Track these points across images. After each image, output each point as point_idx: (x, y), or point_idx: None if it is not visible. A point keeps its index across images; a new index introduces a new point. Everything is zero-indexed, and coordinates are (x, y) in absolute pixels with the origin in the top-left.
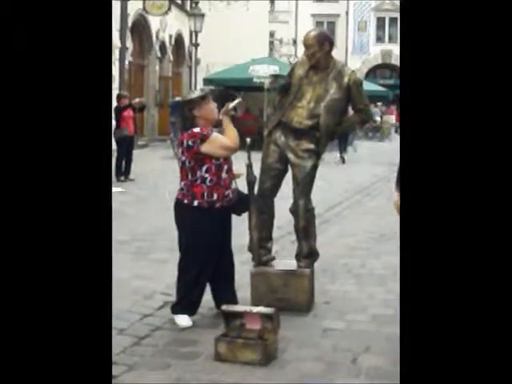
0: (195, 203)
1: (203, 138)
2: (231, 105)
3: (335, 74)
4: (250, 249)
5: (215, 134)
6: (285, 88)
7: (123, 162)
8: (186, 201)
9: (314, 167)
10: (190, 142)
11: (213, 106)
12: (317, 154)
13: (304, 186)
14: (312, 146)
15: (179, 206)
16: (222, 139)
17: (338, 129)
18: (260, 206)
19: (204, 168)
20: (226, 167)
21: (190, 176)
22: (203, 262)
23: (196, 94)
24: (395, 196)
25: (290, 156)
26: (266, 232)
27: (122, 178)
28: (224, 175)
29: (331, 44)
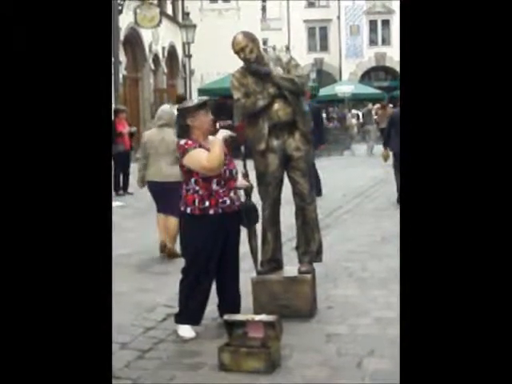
0: (188, 210)
1: (184, 152)
2: (227, 134)
3: (274, 61)
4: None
5: (196, 150)
6: (248, 114)
7: (121, 177)
8: (182, 208)
9: (311, 159)
10: (178, 154)
11: (208, 117)
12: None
13: (310, 177)
14: (308, 137)
15: (180, 214)
16: (199, 156)
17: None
18: (272, 217)
19: (193, 180)
20: (216, 180)
21: (185, 185)
22: (200, 268)
23: (193, 102)
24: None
25: (292, 153)
26: (280, 242)
27: (121, 192)
28: (215, 187)
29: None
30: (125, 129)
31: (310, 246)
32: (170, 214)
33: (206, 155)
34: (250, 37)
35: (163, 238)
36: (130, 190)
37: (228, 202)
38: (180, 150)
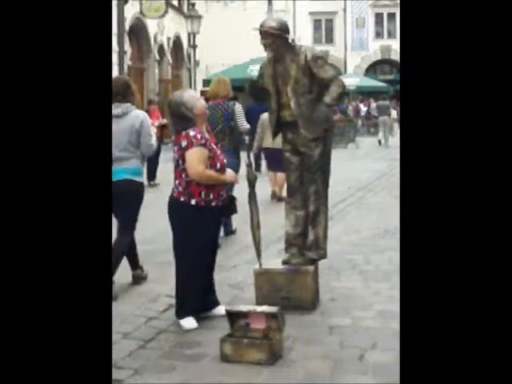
0: (193, 202)
1: (190, 144)
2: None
3: (292, 55)
4: (258, 249)
5: (199, 150)
6: (255, 94)
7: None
8: (182, 199)
9: (323, 155)
10: (183, 143)
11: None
12: (324, 141)
13: (314, 174)
14: (314, 138)
15: (175, 204)
16: (194, 160)
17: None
18: (290, 201)
19: None
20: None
21: (184, 176)
22: (201, 259)
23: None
24: None
25: (300, 147)
26: (299, 229)
27: (152, 182)
28: None
29: (288, 29)
30: (155, 121)
31: (307, 238)
32: (278, 171)
33: (200, 161)
34: (275, 33)
35: (274, 188)
36: (156, 181)
37: (224, 195)
38: (187, 139)
